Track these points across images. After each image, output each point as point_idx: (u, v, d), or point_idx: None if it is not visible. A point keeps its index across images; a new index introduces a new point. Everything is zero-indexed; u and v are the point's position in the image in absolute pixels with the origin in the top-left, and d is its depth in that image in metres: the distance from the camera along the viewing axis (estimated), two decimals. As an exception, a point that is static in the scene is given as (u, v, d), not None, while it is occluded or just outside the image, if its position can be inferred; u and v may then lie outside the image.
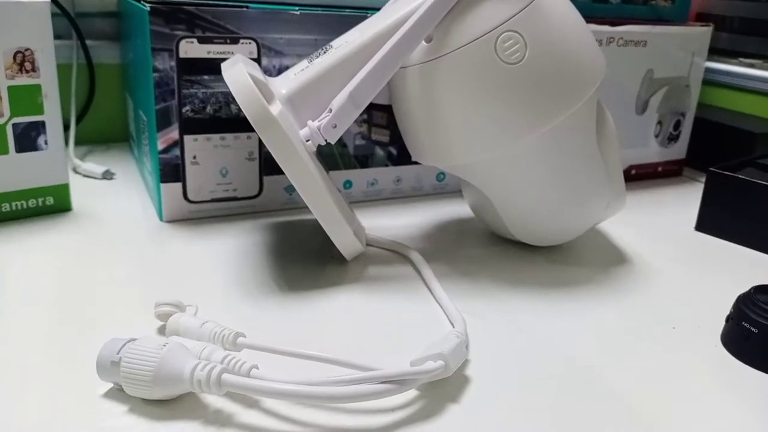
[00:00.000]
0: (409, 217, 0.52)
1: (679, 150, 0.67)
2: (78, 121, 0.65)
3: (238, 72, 0.37)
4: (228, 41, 0.46)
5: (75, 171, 0.58)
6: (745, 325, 0.34)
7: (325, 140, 0.38)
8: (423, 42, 0.39)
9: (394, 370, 0.27)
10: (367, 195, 0.55)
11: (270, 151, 0.37)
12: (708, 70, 0.69)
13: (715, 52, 0.76)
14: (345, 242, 0.40)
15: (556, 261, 0.45)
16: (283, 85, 0.39)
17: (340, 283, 0.40)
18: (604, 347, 0.35)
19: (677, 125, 0.65)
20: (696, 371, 0.33)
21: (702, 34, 0.63)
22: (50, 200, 0.48)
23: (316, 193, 0.38)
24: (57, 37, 0.63)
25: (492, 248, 0.47)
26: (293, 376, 0.28)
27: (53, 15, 0.61)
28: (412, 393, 0.30)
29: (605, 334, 0.36)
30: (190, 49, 0.45)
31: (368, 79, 0.37)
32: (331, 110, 0.38)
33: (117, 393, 0.28)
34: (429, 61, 0.38)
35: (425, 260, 0.43)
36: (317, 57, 0.40)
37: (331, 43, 0.41)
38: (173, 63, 0.45)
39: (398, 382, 0.27)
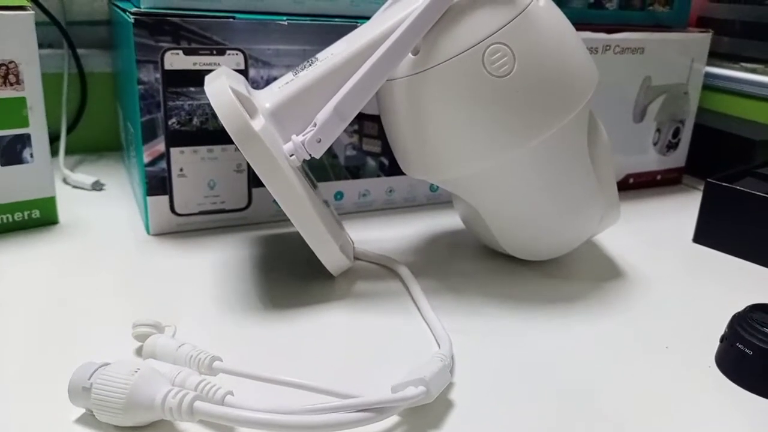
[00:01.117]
0: (401, 228, 0.51)
1: (678, 158, 0.66)
2: (69, 130, 0.65)
3: (220, 86, 0.36)
4: (214, 52, 0.45)
5: (65, 182, 0.58)
6: (740, 346, 0.33)
7: (310, 155, 0.37)
8: (410, 54, 0.38)
9: (373, 398, 0.27)
10: (359, 206, 0.54)
11: (252, 167, 0.36)
12: (708, 75, 0.68)
13: (716, 56, 0.75)
14: (330, 258, 0.39)
15: (549, 275, 0.44)
16: (267, 98, 0.39)
17: (325, 300, 0.40)
18: (595, 368, 0.34)
19: (676, 133, 0.64)
20: (688, 394, 0.32)
21: (701, 39, 0.62)
22: (36, 213, 0.48)
23: (300, 209, 0.37)
24: (48, 46, 0.63)
25: (484, 262, 0.46)
26: (269, 402, 0.27)
27: (43, 24, 0.61)
28: (393, 419, 0.29)
29: (597, 353, 0.35)
30: (176, 60, 0.44)
31: (354, 92, 0.37)
32: (315, 124, 0.37)
33: (89, 418, 0.28)
34: (416, 74, 0.37)
35: (414, 275, 0.43)
36: (302, 69, 0.39)
37: (317, 56, 0.40)
38: (158, 75, 0.44)
39: (376, 410, 0.27)
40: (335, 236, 0.39)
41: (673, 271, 0.46)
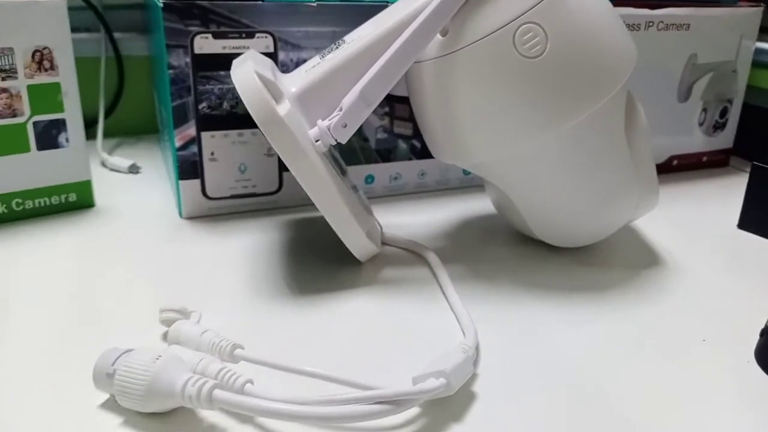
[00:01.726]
0: (433, 213, 0.51)
1: (725, 139, 0.63)
2: (108, 114, 0.66)
3: (246, 71, 0.36)
4: (243, 36, 0.45)
5: (103, 165, 0.59)
6: (781, 341, 0.31)
7: (336, 140, 0.37)
8: (438, 35, 0.37)
9: (391, 390, 0.26)
10: (390, 190, 0.54)
11: (278, 152, 0.36)
12: (759, 51, 0.64)
13: None
14: (357, 244, 0.39)
15: (583, 263, 0.43)
16: (294, 83, 0.38)
17: (352, 287, 0.39)
18: (627, 362, 0.33)
19: (723, 113, 0.61)
20: (724, 390, 0.31)
21: (752, 15, 0.58)
22: (73, 197, 0.49)
23: (326, 195, 0.36)
24: (85, 30, 0.64)
25: (516, 248, 0.45)
26: (289, 392, 0.27)
27: (80, 8, 0.61)
28: (414, 410, 0.29)
29: (629, 346, 0.34)
30: (205, 44, 0.44)
31: (379, 76, 0.36)
32: (341, 109, 0.37)
33: (113, 404, 0.28)
34: (444, 55, 0.36)
35: (442, 262, 0.42)
36: (329, 53, 0.39)
37: (344, 38, 0.39)
38: (188, 59, 0.44)
39: (395, 403, 0.26)
40: (362, 222, 0.39)
41: (714, 259, 0.44)
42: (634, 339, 0.35)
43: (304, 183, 0.36)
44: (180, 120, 0.45)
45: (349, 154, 0.51)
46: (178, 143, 0.46)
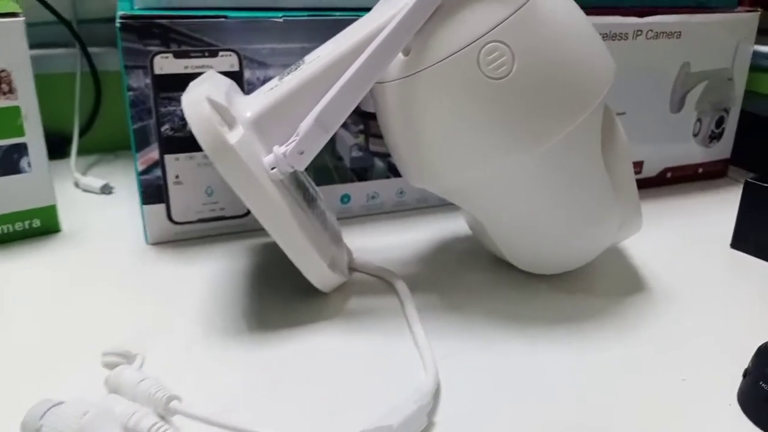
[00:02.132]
0: (410, 234, 0.49)
1: (722, 149, 0.60)
2: (85, 130, 0.64)
3: (194, 97, 0.34)
4: (206, 54, 0.43)
5: (76, 185, 0.57)
6: (763, 386, 0.29)
7: (292, 168, 0.35)
8: (401, 55, 0.35)
9: (331, 449, 0.24)
10: (368, 209, 0.52)
11: (228, 183, 0.34)
12: (757, 54, 0.60)
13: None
14: (317, 276, 0.37)
15: (562, 290, 0.41)
16: (250, 107, 0.36)
17: (315, 320, 0.37)
18: (602, 401, 0.31)
19: (720, 122, 0.59)
20: (703, 438, 0.29)
21: (748, 20, 0.56)
22: (37, 222, 0.47)
23: (282, 226, 0.35)
24: (61, 45, 0.62)
25: (492, 274, 0.43)
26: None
27: (53, 23, 0.60)
28: (361, 466, 0.27)
29: (607, 383, 0.32)
30: (166, 64, 0.42)
31: (337, 100, 0.34)
32: (299, 134, 0.35)
33: (42, 461, 0.26)
34: (407, 76, 0.34)
35: (413, 290, 0.40)
36: (288, 74, 0.37)
37: (305, 58, 0.37)
38: (148, 80, 0.42)
39: (335, 463, 0.24)
40: (324, 252, 0.37)
41: (703, 284, 0.42)
42: (612, 375, 0.33)
43: (257, 214, 0.34)
44: (142, 143, 0.44)
45: (323, 173, 0.49)
46: (140, 167, 0.44)
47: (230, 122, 0.35)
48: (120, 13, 0.41)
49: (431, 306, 0.39)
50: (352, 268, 0.43)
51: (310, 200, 0.40)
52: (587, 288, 0.41)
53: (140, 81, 0.42)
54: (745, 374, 0.31)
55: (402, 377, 0.32)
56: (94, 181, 0.56)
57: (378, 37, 0.33)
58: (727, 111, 0.59)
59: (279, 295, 0.40)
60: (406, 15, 0.33)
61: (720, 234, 0.49)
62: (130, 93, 0.42)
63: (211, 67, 0.43)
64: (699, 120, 0.57)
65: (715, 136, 0.59)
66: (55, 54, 0.61)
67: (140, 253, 0.45)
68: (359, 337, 0.36)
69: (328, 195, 0.50)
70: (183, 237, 0.47)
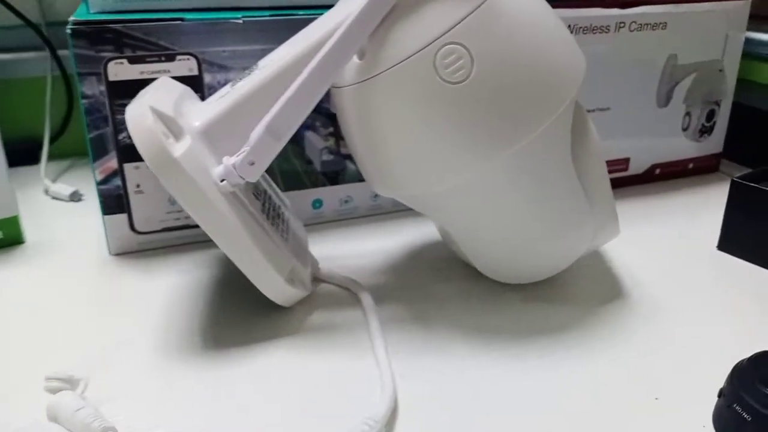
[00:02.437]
0: (383, 239, 0.47)
1: (714, 143, 0.58)
2: (59, 134, 0.63)
3: (137, 107, 0.32)
4: (163, 59, 0.41)
5: (46, 192, 0.56)
6: (737, 408, 0.27)
7: (243, 179, 0.33)
8: (356, 59, 0.33)
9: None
10: (341, 214, 0.50)
11: (173, 197, 0.32)
12: (750, 42, 0.57)
13: (760, 19, 0.64)
14: (274, 291, 0.35)
15: (536, 299, 0.39)
16: (200, 116, 0.35)
17: (275, 336, 0.36)
18: (568, 422, 0.29)
19: (710, 116, 0.56)
20: (672, 464, 0.27)
21: (738, 8, 0.53)
22: (-1, 234, 0.46)
23: (233, 242, 0.33)
24: (32, 49, 0.61)
25: (465, 283, 0.41)
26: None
27: (21, 27, 0.58)
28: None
29: (575, 402, 0.30)
30: (121, 70, 0.41)
31: (288, 107, 0.32)
32: (249, 144, 0.33)
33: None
34: (362, 81, 0.32)
35: (380, 301, 0.38)
36: (240, 80, 0.35)
37: (258, 63, 0.35)
38: (103, 87, 0.41)
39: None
40: (281, 265, 0.35)
41: (686, 290, 0.40)
42: (581, 396, 0.31)
43: (206, 230, 0.33)
44: (100, 152, 0.42)
45: (293, 178, 0.47)
46: (99, 176, 0.43)
47: (177, 133, 0.33)
48: (71, 18, 0.39)
49: (397, 318, 0.37)
50: (317, 279, 0.41)
51: (270, 210, 0.38)
52: (562, 297, 0.39)
53: (94, 88, 0.41)
54: (720, 394, 0.29)
55: (360, 398, 0.31)
56: (64, 188, 0.54)
57: (329, 41, 0.31)
58: (718, 104, 0.56)
59: (241, 309, 0.38)
60: (357, 17, 0.31)
61: (707, 235, 0.47)
62: (85, 101, 0.41)
63: (168, 71, 0.41)
64: (688, 114, 0.55)
65: (705, 130, 0.57)
66: (25, 58, 0.60)
67: (102, 264, 0.44)
68: (319, 354, 0.34)
69: (298, 200, 0.48)
70: (147, 247, 0.45)
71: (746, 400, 0.27)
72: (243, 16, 0.42)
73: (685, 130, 0.56)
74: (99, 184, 0.43)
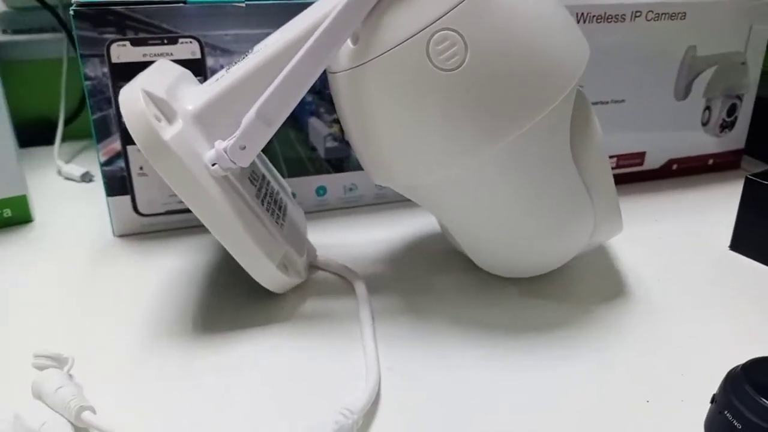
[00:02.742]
0: (387, 229, 0.46)
1: (735, 139, 0.56)
2: (76, 115, 0.64)
3: (129, 90, 0.32)
4: (165, 42, 0.41)
5: (59, 173, 0.57)
6: (728, 415, 0.26)
7: (235, 163, 0.33)
8: (350, 44, 0.32)
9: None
10: (346, 202, 0.49)
11: (165, 181, 0.32)
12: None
13: None
14: (265, 278, 0.35)
15: (535, 295, 0.38)
16: (194, 99, 0.34)
17: (267, 322, 0.36)
18: (556, 422, 0.28)
19: (732, 110, 0.54)
20: (656, 469, 0.26)
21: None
22: (8, 213, 0.47)
23: (223, 226, 0.33)
24: (48, 30, 0.62)
25: (464, 275, 0.40)
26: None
27: (36, 9, 0.59)
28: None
29: (564, 402, 0.29)
30: (123, 53, 0.41)
31: (279, 92, 0.32)
32: (240, 129, 0.33)
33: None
34: (355, 67, 0.32)
35: (375, 291, 0.38)
36: (234, 64, 0.35)
37: (254, 48, 0.35)
38: (106, 69, 0.41)
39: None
40: (273, 251, 0.35)
41: (692, 290, 0.39)
42: (571, 396, 0.30)
43: (197, 213, 0.32)
44: (103, 134, 0.42)
45: (297, 164, 0.47)
46: (102, 158, 0.43)
47: (170, 116, 0.33)
48: (75, 0, 0.40)
49: (391, 309, 0.37)
50: (314, 266, 0.41)
51: (266, 195, 0.38)
52: (562, 294, 0.38)
53: (97, 70, 0.41)
54: (713, 400, 0.28)
55: (344, 389, 0.31)
56: (75, 169, 0.55)
57: (321, 25, 0.31)
58: (740, 98, 0.54)
59: (235, 294, 0.38)
60: (347, 3, 0.30)
61: (720, 234, 0.45)
62: (88, 82, 0.41)
63: (170, 54, 0.41)
64: (708, 108, 0.53)
65: (726, 125, 0.55)
66: (41, 39, 0.61)
67: (105, 246, 0.44)
68: (308, 342, 0.34)
69: (302, 187, 0.48)
70: (150, 229, 0.46)
71: (737, 408, 0.26)
72: (245, 1, 0.42)
73: (705, 124, 0.54)
74: (103, 165, 0.43)
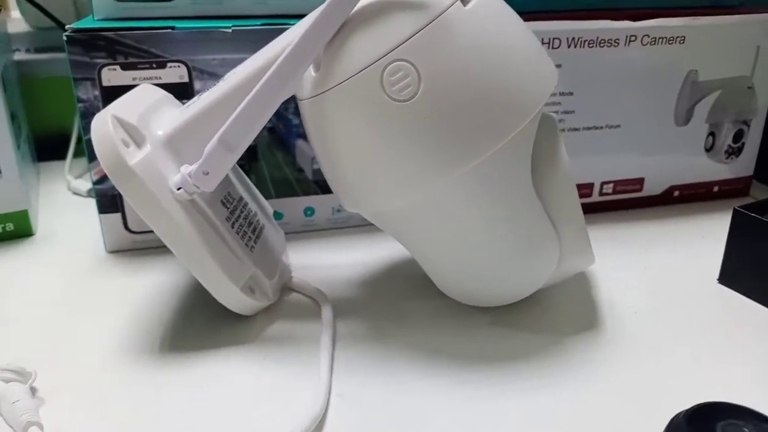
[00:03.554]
0: (368, 251, 0.47)
1: (743, 165, 0.54)
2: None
3: (100, 115, 0.34)
4: (154, 66, 0.42)
5: (68, 188, 0.59)
6: (664, 462, 0.25)
7: (199, 188, 0.34)
8: (312, 72, 0.33)
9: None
10: (334, 223, 0.50)
11: (129, 203, 0.33)
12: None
13: None
14: (228, 300, 0.36)
15: (504, 324, 0.38)
16: (166, 125, 0.35)
17: (230, 344, 0.36)
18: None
19: (739, 136, 0.53)
20: None
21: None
22: (10, 226, 0.49)
23: (186, 249, 0.34)
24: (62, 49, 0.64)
25: (436, 302, 0.40)
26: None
27: (55, 29, 0.62)
28: None
29: (501, 440, 0.29)
30: (114, 76, 0.42)
31: (241, 119, 0.32)
32: (203, 155, 0.34)
33: None
34: (316, 95, 0.32)
35: (343, 316, 0.38)
36: (206, 90, 0.36)
37: (226, 74, 0.36)
38: (97, 92, 0.42)
39: None
40: (238, 274, 0.35)
41: (669, 324, 0.38)
42: (533, 429, 0.30)
43: (160, 236, 0.33)
44: (95, 153, 0.44)
45: (285, 185, 0.48)
46: (95, 176, 0.45)
47: (139, 141, 0.34)
48: (68, 26, 0.41)
49: (357, 334, 0.37)
50: (289, 288, 0.41)
51: (240, 218, 0.39)
52: (534, 324, 0.38)
53: (89, 93, 0.42)
54: (659, 441, 0.27)
55: (292, 415, 0.31)
56: (83, 184, 0.57)
57: (282, 54, 0.32)
58: (747, 123, 0.52)
59: (209, 314, 0.39)
60: (305, 33, 0.31)
61: (712, 265, 0.44)
62: (81, 104, 0.43)
63: (159, 78, 0.43)
64: (712, 134, 0.52)
65: (733, 152, 0.53)
66: (58, 58, 0.63)
67: (96, 261, 0.46)
68: (267, 364, 0.34)
69: (290, 207, 0.48)
70: (141, 246, 0.47)
71: (674, 455, 0.25)
72: (233, 26, 0.43)
73: (708, 150, 0.52)
74: (95, 183, 0.45)
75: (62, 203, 0.56)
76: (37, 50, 0.65)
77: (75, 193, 0.58)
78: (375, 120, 0.31)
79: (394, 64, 0.30)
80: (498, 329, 0.37)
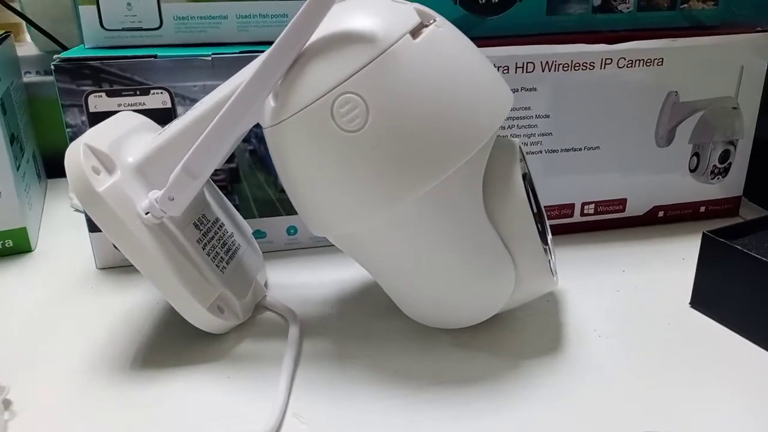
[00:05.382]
0: (347, 269, 0.48)
1: (731, 185, 0.54)
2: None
3: (75, 143, 0.36)
4: (138, 93, 0.44)
5: (71, 205, 0.61)
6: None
7: (165, 213, 0.35)
8: (271, 102, 0.34)
9: None
10: (317, 241, 0.51)
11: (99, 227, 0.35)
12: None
13: None
14: (196, 319, 0.37)
15: (467, 345, 0.38)
16: (137, 152, 0.37)
17: (199, 361, 0.38)
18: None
19: (725, 157, 0.52)
20: None
21: (757, 41, 0.49)
22: (9, 243, 0.51)
23: (153, 271, 0.35)
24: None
25: (404, 322, 0.41)
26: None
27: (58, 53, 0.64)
28: None
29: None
30: (100, 103, 0.44)
31: (203, 147, 0.34)
32: (168, 181, 0.35)
33: None
34: (274, 125, 0.34)
35: (310, 335, 0.39)
36: (177, 118, 0.37)
37: (197, 103, 0.38)
38: (84, 118, 0.45)
39: None
40: (204, 294, 0.37)
41: (634, 348, 0.38)
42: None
43: (128, 257, 0.35)
44: (83, 175, 0.46)
45: (268, 205, 0.49)
46: (84, 198, 0.47)
47: (110, 168, 0.36)
48: (56, 56, 0.44)
49: (322, 354, 0.38)
50: (263, 307, 0.43)
51: (213, 239, 0.40)
52: (497, 346, 0.38)
53: (77, 118, 0.45)
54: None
55: (244, 433, 0.32)
56: (83, 201, 0.60)
57: (242, 85, 0.33)
58: (733, 143, 0.52)
59: (184, 331, 0.40)
60: (263, 63, 0.32)
61: (687, 288, 0.44)
62: (69, 129, 0.45)
63: (143, 104, 0.45)
64: (696, 155, 0.51)
65: (719, 172, 0.53)
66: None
67: (85, 277, 0.48)
68: (229, 382, 0.36)
69: (274, 226, 0.50)
70: (129, 263, 0.49)
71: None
72: (212, 53, 0.44)
73: (693, 171, 0.52)
74: (83, 204, 0.47)
75: (64, 220, 0.58)
76: (47, 72, 0.68)
77: (77, 210, 0.60)
78: (327, 150, 0.32)
79: (344, 96, 0.31)
80: (459, 351, 0.38)
